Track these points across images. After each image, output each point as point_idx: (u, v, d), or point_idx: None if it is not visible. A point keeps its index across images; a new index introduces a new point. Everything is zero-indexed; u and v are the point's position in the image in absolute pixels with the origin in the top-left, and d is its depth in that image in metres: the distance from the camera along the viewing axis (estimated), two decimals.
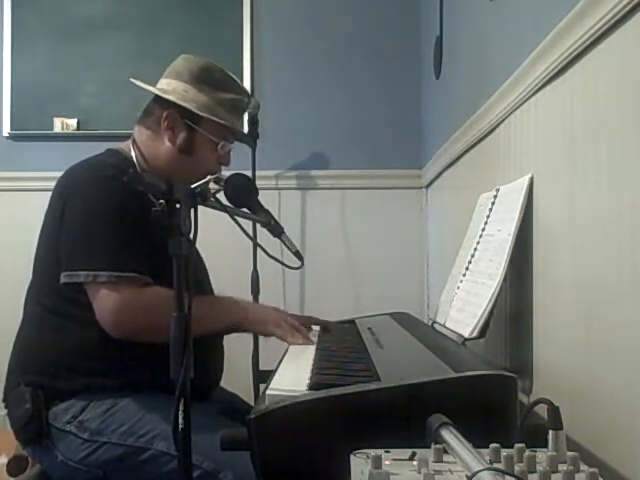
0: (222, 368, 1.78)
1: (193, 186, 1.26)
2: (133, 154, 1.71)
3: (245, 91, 1.81)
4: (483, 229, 1.63)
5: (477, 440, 0.75)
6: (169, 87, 1.72)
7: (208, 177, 1.44)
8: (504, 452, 0.76)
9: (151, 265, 1.54)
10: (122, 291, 1.52)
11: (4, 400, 1.64)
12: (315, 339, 1.65)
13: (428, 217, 3.15)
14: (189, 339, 1.09)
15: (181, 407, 1.08)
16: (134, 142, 1.74)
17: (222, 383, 1.81)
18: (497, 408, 0.99)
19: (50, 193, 1.69)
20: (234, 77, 1.78)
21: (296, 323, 1.68)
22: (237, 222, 1.58)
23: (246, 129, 2.94)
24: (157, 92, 1.72)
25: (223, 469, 1.42)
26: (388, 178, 3.23)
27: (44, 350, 1.60)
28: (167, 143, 1.71)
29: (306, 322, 1.84)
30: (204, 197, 1.22)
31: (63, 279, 1.54)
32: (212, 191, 1.53)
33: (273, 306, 1.80)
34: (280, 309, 1.78)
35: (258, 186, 1.78)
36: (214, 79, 1.72)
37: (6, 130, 3.24)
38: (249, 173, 2.78)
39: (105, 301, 1.52)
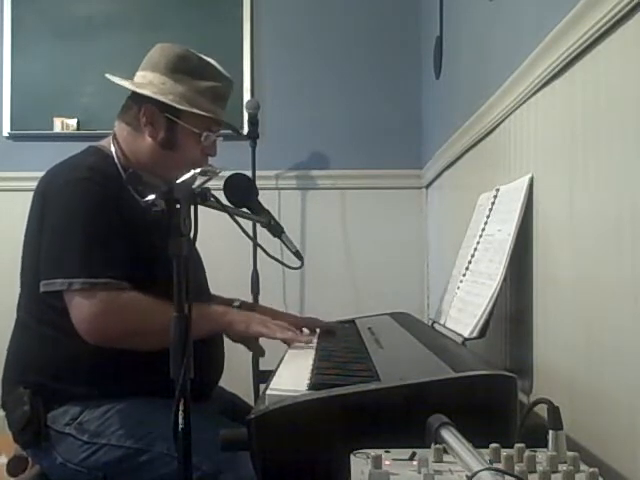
0: (222, 367, 1.78)
1: (183, 178, 1.25)
2: (113, 149, 1.67)
3: (225, 77, 1.73)
4: (483, 229, 1.63)
5: (477, 440, 0.75)
6: (145, 80, 1.67)
7: (198, 169, 1.42)
8: (504, 452, 0.76)
9: (131, 267, 1.51)
10: (96, 297, 1.49)
11: (2, 404, 1.63)
12: (315, 339, 1.64)
13: (428, 217, 3.15)
14: (189, 340, 1.09)
15: (181, 407, 1.08)
16: (114, 138, 1.69)
17: (222, 383, 1.81)
18: (497, 408, 0.99)
19: None
20: (213, 63, 1.71)
21: (284, 324, 1.63)
22: (237, 222, 1.58)
23: (246, 129, 2.94)
24: (132, 88, 1.67)
25: (223, 471, 1.41)
26: (388, 178, 3.23)
27: (39, 361, 1.58)
28: (148, 139, 1.66)
29: (309, 324, 1.82)
30: (204, 197, 1.22)
31: (42, 288, 1.52)
32: (200, 181, 1.50)
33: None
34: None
35: (258, 186, 1.78)
36: (191, 67, 1.66)
37: (6, 130, 3.24)
38: (249, 173, 2.78)
39: (80, 308, 1.49)
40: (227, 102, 1.76)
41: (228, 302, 1.95)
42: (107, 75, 1.71)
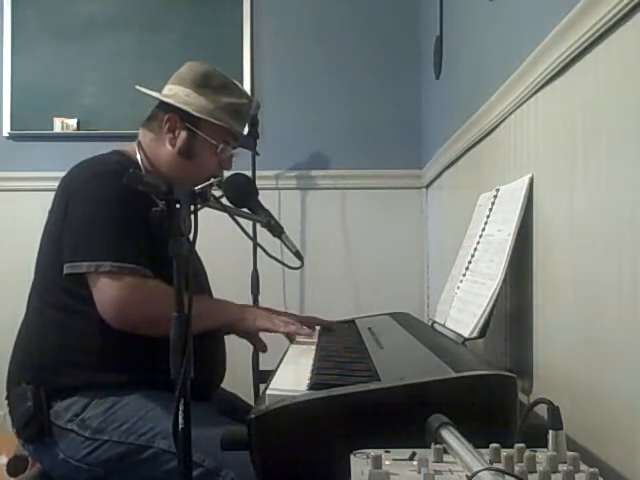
0: (224, 369, 1.79)
1: (201, 186, 1.26)
2: (139, 157, 1.73)
3: (247, 96, 1.83)
4: (483, 229, 1.63)
5: (477, 440, 0.75)
6: (171, 92, 1.76)
7: (211, 180, 1.45)
8: (504, 452, 0.76)
9: (151, 261, 1.55)
10: (124, 281, 1.53)
11: (6, 398, 1.64)
12: (315, 339, 1.65)
13: (428, 217, 3.15)
14: (189, 339, 1.09)
15: (181, 407, 1.08)
16: (139, 145, 1.76)
17: (222, 383, 1.81)
18: (497, 408, 0.99)
19: (50, 193, 1.70)
20: (236, 82, 1.80)
21: (288, 319, 1.69)
22: (237, 222, 1.59)
23: (246, 129, 2.94)
24: (159, 97, 1.75)
25: (224, 467, 1.42)
26: (388, 178, 3.23)
27: (46, 345, 1.61)
28: (168, 146, 1.73)
29: (309, 322, 1.84)
30: (204, 197, 1.22)
31: (66, 269, 1.55)
32: (216, 196, 1.54)
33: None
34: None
35: (258, 186, 1.79)
36: (215, 84, 1.75)
37: (6, 130, 3.24)
38: (249, 173, 2.78)
39: (106, 291, 1.53)
40: (246, 120, 1.85)
41: None
42: (137, 87, 1.78)
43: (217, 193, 1.67)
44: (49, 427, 1.54)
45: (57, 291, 1.61)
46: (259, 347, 1.81)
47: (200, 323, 1.49)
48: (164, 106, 1.75)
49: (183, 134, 1.73)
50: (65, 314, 1.60)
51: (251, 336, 1.79)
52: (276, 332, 1.66)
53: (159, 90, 1.79)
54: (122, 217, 1.57)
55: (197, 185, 1.31)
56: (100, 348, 1.57)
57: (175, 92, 1.75)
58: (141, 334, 1.53)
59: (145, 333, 1.52)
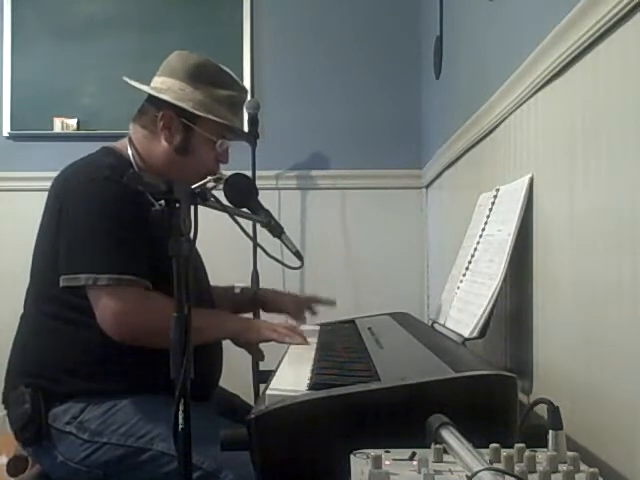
0: (221, 368, 1.78)
1: (194, 186, 1.26)
2: (130, 153, 1.68)
3: (242, 86, 1.78)
4: (483, 229, 1.63)
5: (477, 440, 0.75)
6: (164, 86, 1.69)
7: (208, 178, 1.44)
8: (504, 452, 0.76)
9: (151, 266, 1.53)
10: (123, 294, 1.51)
11: (4, 401, 1.64)
12: (315, 339, 1.65)
13: (428, 217, 3.15)
14: (189, 340, 1.09)
15: (181, 407, 1.08)
16: (130, 141, 1.71)
17: (222, 383, 1.81)
18: (497, 408, 0.99)
19: None
20: (230, 72, 1.74)
21: (292, 326, 1.67)
22: (237, 222, 1.58)
23: (246, 129, 2.94)
24: (152, 92, 1.69)
25: (224, 469, 1.42)
26: (388, 178, 3.23)
27: (42, 354, 1.59)
28: (164, 143, 1.68)
29: (308, 302, 1.84)
30: (204, 197, 1.22)
31: (63, 282, 1.53)
32: (209, 187, 1.53)
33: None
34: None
35: (258, 186, 1.78)
36: (210, 76, 1.69)
37: (6, 130, 3.24)
38: (249, 173, 2.78)
39: (106, 304, 1.51)
40: (242, 111, 1.80)
41: (228, 290, 1.96)
42: (125, 78, 1.73)
43: (212, 184, 1.64)
44: (47, 430, 1.53)
45: (53, 300, 1.59)
46: (257, 357, 1.78)
47: (202, 336, 1.49)
48: (157, 101, 1.67)
49: (180, 131, 1.67)
50: (61, 323, 1.58)
51: (250, 346, 1.77)
52: (282, 342, 1.62)
53: (147, 82, 1.72)
54: (118, 225, 1.54)
55: (194, 182, 1.31)
56: (97, 357, 1.55)
57: (168, 86, 1.68)
58: (141, 346, 1.52)
59: (145, 345, 1.51)
